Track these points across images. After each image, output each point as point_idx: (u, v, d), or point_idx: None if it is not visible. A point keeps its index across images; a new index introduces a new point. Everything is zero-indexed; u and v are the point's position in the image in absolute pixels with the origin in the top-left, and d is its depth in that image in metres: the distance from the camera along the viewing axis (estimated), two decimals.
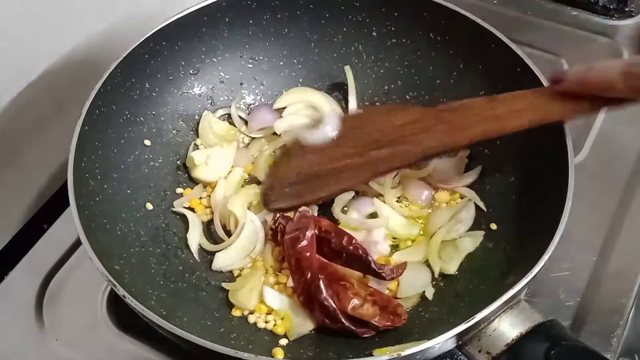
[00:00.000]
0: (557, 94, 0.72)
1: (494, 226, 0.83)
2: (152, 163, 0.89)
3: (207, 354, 0.64)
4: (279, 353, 0.74)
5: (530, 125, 0.73)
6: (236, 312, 0.79)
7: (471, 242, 0.82)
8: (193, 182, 0.91)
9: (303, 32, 0.96)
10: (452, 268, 0.81)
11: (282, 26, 0.95)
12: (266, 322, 0.78)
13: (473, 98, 0.77)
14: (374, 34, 0.94)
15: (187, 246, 0.85)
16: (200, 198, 0.89)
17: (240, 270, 0.84)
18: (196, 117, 0.94)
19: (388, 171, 0.81)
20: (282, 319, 0.78)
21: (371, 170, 0.78)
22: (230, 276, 0.83)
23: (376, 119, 0.79)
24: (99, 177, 0.80)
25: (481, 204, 0.85)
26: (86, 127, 0.78)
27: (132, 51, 0.84)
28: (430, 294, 0.80)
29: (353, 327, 0.74)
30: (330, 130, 0.78)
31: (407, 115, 0.78)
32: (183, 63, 0.92)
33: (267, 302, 0.79)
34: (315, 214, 0.86)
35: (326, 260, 0.79)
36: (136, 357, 0.80)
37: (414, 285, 0.80)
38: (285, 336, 0.77)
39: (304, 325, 0.77)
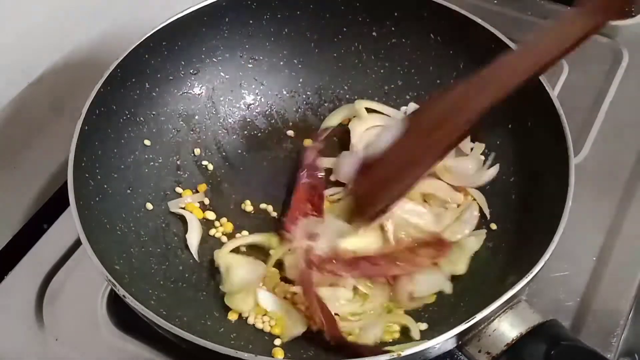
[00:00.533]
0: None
1: (494, 226, 0.83)
2: (152, 163, 0.89)
3: (207, 354, 0.64)
4: (278, 353, 0.74)
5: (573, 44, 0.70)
6: (232, 316, 0.79)
7: (476, 241, 0.82)
8: (192, 182, 0.91)
9: (303, 32, 0.96)
10: (461, 269, 0.81)
11: (282, 26, 0.95)
12: (264, 322, 0.78)
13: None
14: (374, 34, 0.94)
15: (187, 246, 0.85)
16: (199, 202, 0.89)
17: None
18: (196, 117, 0.94)
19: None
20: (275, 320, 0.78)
21: (436, 152, 0.77)
22: None
23: (435, 109, 0.78)
24: (99, 177, 0.80)
25: (486, 210, 0.85)
26: (86, 127, 0.78)
27: (132, 51, 0.84)
28: (448, 288, 0.79)
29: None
30: (390, 135, 0.77)
31: (451, 95, 0.76)
32: (183, 63, 0.92)
33: (261, 304, 0.78)
34: None
35: None
36: (136, 357, 0.80)
37: (428, 285, 0.79)
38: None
39: (296, 328, 0.77)
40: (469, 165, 0.88)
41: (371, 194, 0.79)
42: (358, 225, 0.82)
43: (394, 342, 0.75)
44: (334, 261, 0.77)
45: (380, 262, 0.79)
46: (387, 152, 0.77)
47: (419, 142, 0.77)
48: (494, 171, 0.87)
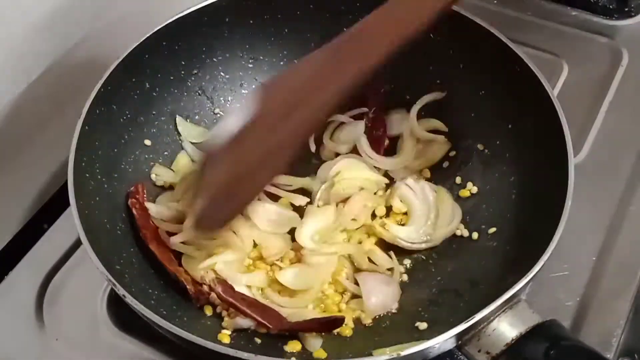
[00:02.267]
0: None
1: (493, 227, 0.83)
2: (152, 163, 0.89)
3: (207, 353, 0.64)
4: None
5: (434, 11, 0.69)
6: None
7: None
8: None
9: (303, 33, 0.96)
10: None
11: (282, 26, 0.95)
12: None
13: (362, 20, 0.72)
14: None
15: None
16: None
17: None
18: (196, 117, 0.94)
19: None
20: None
21: (293, 143, 0.71)
22: None
23: (280, 89, 0.72)
24: (99, 176, 0.80)
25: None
26: (86, 127, 0.78)
27: (133, 51, 0.84)
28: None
29: None
30: (233, 121, 0.70)
31: (307, 69, 0.72)
32: (183, 63, 0.92)
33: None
34: None
35: None
36: (136, 357, 0.80)
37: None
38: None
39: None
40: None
41: (220, 198, 0.71)
42: (203, 234, 0.78)
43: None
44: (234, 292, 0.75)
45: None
46: (235, 144, 0.68)
47: (272, 132, 0.69)
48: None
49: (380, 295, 0.79)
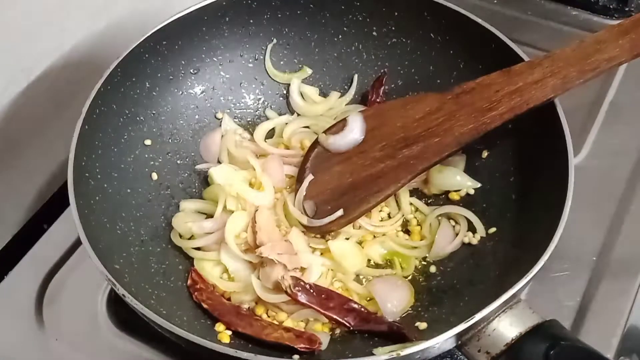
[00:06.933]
0: (573, 56, 0.73)
1: (493, 227, 0.83)
2: (152, 162, 0.89)
3: (207, 353, 0.64)
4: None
5: (554, 94, 0.72)
6: (220, 327, 0.77)
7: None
8: (193, 181, 0.91)
9: (303, 32, 0.96)
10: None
11: (282, 26, 0.95)
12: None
13: (487, 75, 0.76)
14: (374, 33, 0.94)
15: None
16: None
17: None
18: (196, 116, 0.94)
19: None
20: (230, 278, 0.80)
21: (409, 171, 0.76)
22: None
23: (394, 115, 0.78)
24: (99, 176, 0.80)
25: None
26: (86, 127, 0.78)
27: (133, 50, 0.84)
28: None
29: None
30: (357, 134, 0.76)
31: (424, 105, 0.76)
32: (183, 62, 0.92)
33: (222, 260, 0.80)
34: None
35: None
36: (136, 357, 0.80)
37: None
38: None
39: (245, 295, 0.78)
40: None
41: (323, 211, 0.78)
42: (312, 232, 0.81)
43: None
44: (312, 291, 0.75)
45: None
46: (337, 161, 0.76)
47: (382, 158, 0.75)
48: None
49: (395, 301, 0.78)
